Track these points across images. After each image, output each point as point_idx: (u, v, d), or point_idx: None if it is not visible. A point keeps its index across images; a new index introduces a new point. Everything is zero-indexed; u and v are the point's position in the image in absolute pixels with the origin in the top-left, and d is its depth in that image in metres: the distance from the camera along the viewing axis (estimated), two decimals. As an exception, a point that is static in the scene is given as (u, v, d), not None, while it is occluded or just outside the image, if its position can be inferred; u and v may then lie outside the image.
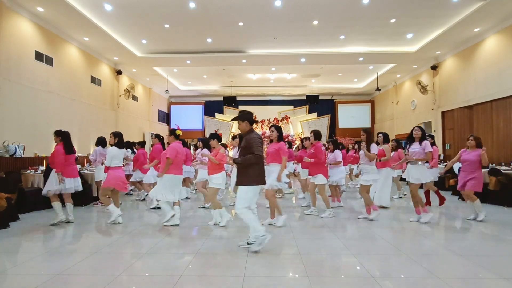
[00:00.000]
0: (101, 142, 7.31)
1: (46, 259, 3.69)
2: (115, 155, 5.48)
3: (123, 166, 6.46)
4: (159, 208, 6.70)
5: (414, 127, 5.56)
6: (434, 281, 2.98)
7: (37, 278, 3.06)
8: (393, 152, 7.46)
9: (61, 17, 8.43)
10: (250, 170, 3.83)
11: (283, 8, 8.31)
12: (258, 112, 18.71)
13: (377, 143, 6.89)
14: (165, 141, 7.21)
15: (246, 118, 4.00)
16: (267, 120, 18.33)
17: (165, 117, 19.19)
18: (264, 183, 4.01)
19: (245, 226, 5.10)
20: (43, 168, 7.40)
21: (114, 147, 5.51)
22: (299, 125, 18.35)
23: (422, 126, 13.44)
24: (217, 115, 18.93)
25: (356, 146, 9.62)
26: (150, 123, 16.51)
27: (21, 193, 6.25)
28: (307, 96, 16.83)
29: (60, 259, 3.65)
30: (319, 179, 5.80)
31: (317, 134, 6.03)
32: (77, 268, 3.34)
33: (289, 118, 18.45)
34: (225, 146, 7.17)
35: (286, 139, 12.48)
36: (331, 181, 6.80)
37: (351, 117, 19.11)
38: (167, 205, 5.19)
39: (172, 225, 5.19)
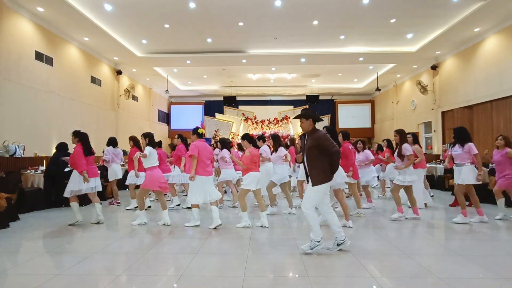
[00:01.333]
0: (112, 142, 7.39)
1: (46, 259, 3.69)
2: (152, 154, 5.39)
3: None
4: (186, 208, 6.79)
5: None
6: (434, 281, 2.98)
7: (37, 278, 3.06)
8: None
9: (61, 17, 8.43)
10: (326, 169, 3.63)
11: (283, 8, 8.31)
12: (258, 112, 18.73)
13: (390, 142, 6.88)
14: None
15: (310, 116, 3.80)
16: (267, 120, 18.33)
17: (165, 117, 19.19)
18: (331, 179, 3.76)
19: (245, 227, 5.13)
20: (43, 168, 7.41)
21: (149, 146, 5.42)
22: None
23: (426, 125, 13.38)
24: (217, 115, 18.90)
25: (376, 145, 9.53)
26: (150, 123, 16.51)
27: (21, 193, 6.25)
28: (307, 96, 16.82)
29: (60, 259, 3.66)
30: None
31: (345, 135, 5.84)
32: (77, 268, 3.34)
33: (289, 118, 18.44)
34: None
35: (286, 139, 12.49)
36: (364, 182, 6.81)
37: (351, 117, 19.10)
38: (197, 212, 5.20)
39: (216, 227, 5.08)
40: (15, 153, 7.31)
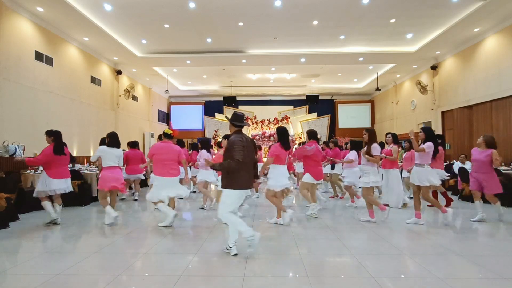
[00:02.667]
0: (105, 143, 7.35)
1: (46, 259, 3.69)
2: (104, 154, 5.36)
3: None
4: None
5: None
6: (434, 281, 2.98)
7: (37, 278, 3.06)
8: (406, 153, 7.41)
9: (61, 17, 8.43)
10: (233, 175, 3.64)
11: (283, 8, 8.31)
12: (258, 112, 18.73)
13: (384, 143, 6.87)
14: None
15: (232, 118, 3.83)
16: (267, 120, 18.34)
17: (165, 117, 19.18)
18: (249, 187, 3.78)
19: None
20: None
21: (103, 146, 5.43)
22: (299, 125, 18.36)
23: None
24: (217, 115, 18.92)
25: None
26: (150, 123, 16.51)
27: (20, 193, 6.25)
28: (307, 96, 16.82)
29: (60, 259, 3.65)
30: (305, 177, 5.84)
31: (311, 134, 5.93)
32: (77, 268, 3.34)
33: (289, 118, 18.46)
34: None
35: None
36: (347, 182, 6.92)
37: (351, 117, 19.11)
38: (165, 206, 5.16)
39: (166, 226, 5.15)
40: (15, 153, 7.30)
